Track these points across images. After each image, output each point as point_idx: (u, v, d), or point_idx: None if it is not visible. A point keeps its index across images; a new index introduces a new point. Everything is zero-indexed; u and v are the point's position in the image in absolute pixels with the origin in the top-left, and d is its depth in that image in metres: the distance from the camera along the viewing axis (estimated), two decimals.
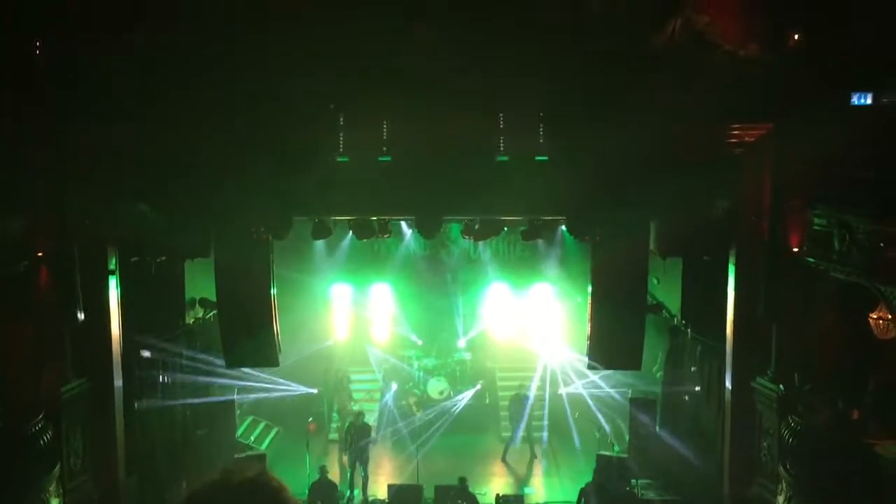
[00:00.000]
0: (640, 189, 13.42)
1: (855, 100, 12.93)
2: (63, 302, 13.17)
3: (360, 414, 18.37)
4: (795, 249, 13.06)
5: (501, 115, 13.61)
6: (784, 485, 12.22)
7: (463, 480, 15.98)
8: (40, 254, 12.92)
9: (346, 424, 18.40)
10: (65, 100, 12.64)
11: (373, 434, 19.80)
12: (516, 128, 13.60)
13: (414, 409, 20.79)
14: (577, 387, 20.01)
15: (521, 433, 19.42)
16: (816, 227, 12.43)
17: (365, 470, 17.41)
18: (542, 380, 21.42)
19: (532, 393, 20.21)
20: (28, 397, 12.25)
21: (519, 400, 19.72)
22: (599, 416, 19.30)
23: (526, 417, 19.58)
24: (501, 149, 13.71)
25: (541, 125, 13.56)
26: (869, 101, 12.89)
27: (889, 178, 11.26)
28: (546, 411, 20.34)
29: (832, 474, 11.21)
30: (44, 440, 12.08)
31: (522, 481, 18.38)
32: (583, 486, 16.31)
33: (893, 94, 12.72)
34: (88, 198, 13.20)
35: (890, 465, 10.69)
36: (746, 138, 13.67)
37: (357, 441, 17.49)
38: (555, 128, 13.35)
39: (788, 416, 12.59)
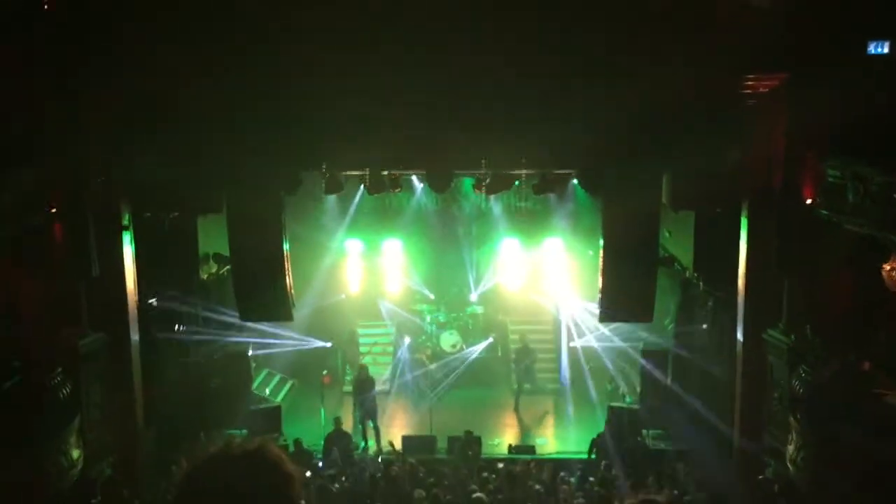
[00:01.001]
0: (653, 142, 13.35)
1: (871, 49, 12.73)
2: (77, 257, 13.30)
3: (364, 367, 18.54)
4: (809, 201, 12.99)
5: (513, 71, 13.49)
6: (794, 434, 12.30)
7: (469, 433, 16.25)
8: (54, 209, 13.02)
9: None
10: (76, 52, 12.61)
11: (386, 387, 20.08)
12: (527, 81, 13.46)
13: (427, 362, 20.99)
14: (589, 339, 20.13)
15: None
16: (830, 179, 12.33)
17: (374, 422, 17.64)
18: (556, 332, 21.60)
19: (564, 344, 20.43)
20: (45, 351, 12.43)
21: (527, 351, 19.98)
22: (611, 368, 19.46)
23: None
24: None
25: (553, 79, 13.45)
26: (885, 49, 12.69)
27: None
28: (565, 363, 20.49)
29: (841, 425, 11.28)
30: (63, 393, 12.27)
31: (534, 432, 18.61)
32: (594, 436, 16.52)
33: None
34: (101, 153, 13.25)
35: None
36: (760, 89, 13.53)
37: (360, 394, 17.73)
38: (566, 80, 13.22)
39: (799, 367, 12.64)
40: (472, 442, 16.13)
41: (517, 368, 20.07)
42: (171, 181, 14.35)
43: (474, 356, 21.26)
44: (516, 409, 19.62)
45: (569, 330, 20.98)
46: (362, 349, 21.49)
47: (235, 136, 13.47)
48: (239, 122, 13.40)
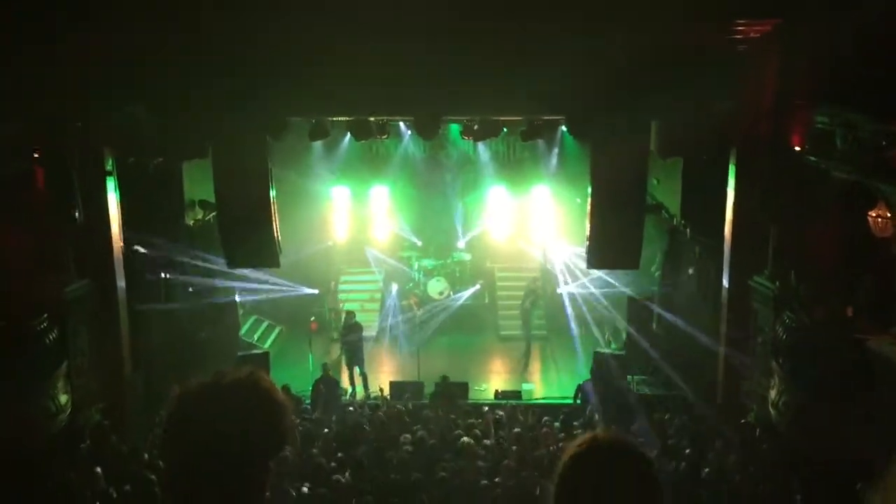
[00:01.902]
0: (642, 88, 13.20)
1: None
2: (61, 203, 13.18)
3: (351, 313, 18.55)
4: (797, 149, 12.96)
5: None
6: (777, 379, 12.46)
7: (445, 378, 16.37)
8: (36, 155, 12.85)
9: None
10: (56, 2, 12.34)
11: (373, 333, 20.18)
12: (515, 26, 13.24)
13: (414, 308, 21.09)
14: (577, 286, 20.23)
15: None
16: (819, 126, 12.28)
17: (361, 368, 17.73)
18: (543, 279, 21.66)
19: (564, 291, 20.51)
20: (30, 297, 12.37)
21: (528, 293, 20.00)
22: (599, 314, 19.60)
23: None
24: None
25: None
26: None
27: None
28: (569, 310, 20.46)
29: (824, 369, 11.43)
30: (49, 339, 12.28)
31: (521, 378, 18.78)
32: (580, 382, 16.70)
33: None
34: (82, 99, 13.02)
35: (881, 359, 10.87)
36: (752, 35, 13.37)
37: (347, 338, 17.80)
38: (555, 25, 13.01)
39: (783, 313, 12.74)
40: (450, 387, 16.24)
41: (521, 309, 20.19)
42: (156, 127, 14.16)
43: (461, 302, 21.36)
44: (526, 355, 19.67)
45: (552, 276, 21.07)
46: (340, 296, 21.54)
47: (221, 81, 13.23)
48: (224, 66, 13.16)
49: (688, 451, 12.75)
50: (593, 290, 19.69)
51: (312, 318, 19.87)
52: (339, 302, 21.15)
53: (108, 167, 14.20)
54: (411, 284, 21.98)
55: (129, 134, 14.16)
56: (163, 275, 16.38)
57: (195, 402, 2.32)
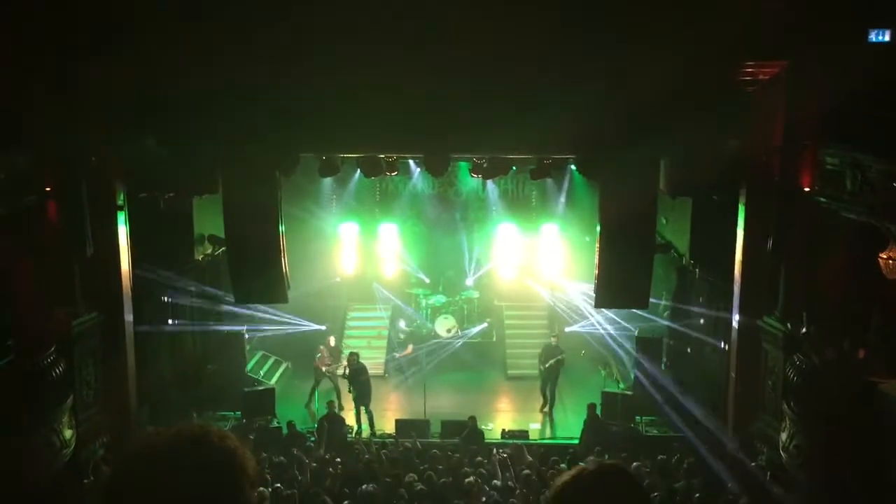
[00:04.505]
0: (651, 128, 13.25)
1: (872, 37, 12.68)
2: (72, 236, 13.25)
3: (355, 354, 18.36)
4: (807, 189, 12.96)
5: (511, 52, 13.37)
6: (787, 422, 12.33)
7: (473, 419, 16.15)
8: (48, 189, 12.94)
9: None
10: (69, 34, 12.50)
11: (380, 371, 20.07)
12: (525, 65, 13.35)
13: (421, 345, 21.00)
14: (584, 325, 20.13)
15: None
16: (829, 167, 12.31)
17: (368, 406, 17.56)
18: (550, 318, 21.54)
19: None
20: (39, 331, 12.38)
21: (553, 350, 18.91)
22: (606, 353, 19.46)
23: None
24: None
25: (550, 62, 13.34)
26: (887, 38, 12.64)
27: None
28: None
29: (835, 412, 11.31)
30: (56, 372, 12.24)
31: (528, 417, 18.59)
32: (584, 421, 16.51)
33: None
34: (95, 133, 13.15)
35: (893, 404, 10.75)
36: (760, 76, 13.47)
37: (354, 380, 17.62)
38: (565, 65, 13.12)
39: (794, 354, 12.65)
40: (474, 429, 16.02)
41: (542, 367, 18.72)
42: (167, 162, 14.26)
43: (468, 340, 21.28)
44: (544, 411, 18.63)
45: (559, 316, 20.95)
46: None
47: (232, 117, 13.35)
48: (236, 103, 13.28)
49: (697, 495, 12.57)
50: (601, 329, 19.58)
51: (318, 356, 19.60)
52: (345, 337, 21.12)
53: (120, 201, 14.30)
54: (419, 322, 21.91)
55: (140, 169, 14.28)
56: (170, 309, 16.39)
57: (135, 475, 1.94)
